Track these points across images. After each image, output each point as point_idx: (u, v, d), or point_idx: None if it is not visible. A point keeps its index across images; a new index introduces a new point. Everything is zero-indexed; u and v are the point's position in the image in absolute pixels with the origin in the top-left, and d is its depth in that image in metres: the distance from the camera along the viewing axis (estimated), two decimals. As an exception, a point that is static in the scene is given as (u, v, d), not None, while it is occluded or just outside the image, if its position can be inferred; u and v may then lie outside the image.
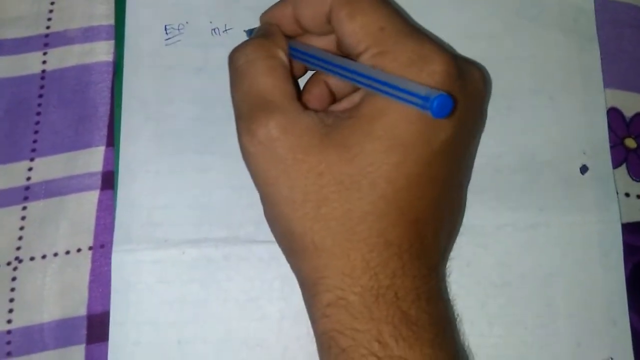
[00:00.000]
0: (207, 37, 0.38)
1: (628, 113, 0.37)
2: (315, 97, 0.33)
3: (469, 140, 0.33)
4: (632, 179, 0.36)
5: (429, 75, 0.27)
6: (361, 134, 0.28)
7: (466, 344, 0.33)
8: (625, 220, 0.35)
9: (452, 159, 0.30)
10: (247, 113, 0.29)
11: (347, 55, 0.30)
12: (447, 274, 0.33)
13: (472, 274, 0.34)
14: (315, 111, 0.30)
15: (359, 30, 0.29)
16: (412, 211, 0.28)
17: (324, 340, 0.28)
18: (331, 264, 0.27)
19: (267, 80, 0.30)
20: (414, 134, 0.28)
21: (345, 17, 0.29)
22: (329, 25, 0.31)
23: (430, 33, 0.37)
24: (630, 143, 0.37)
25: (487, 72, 0.36)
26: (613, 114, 0.37)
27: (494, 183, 0.35)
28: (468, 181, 0.35)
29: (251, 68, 0.30)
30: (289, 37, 0.32)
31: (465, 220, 0.35)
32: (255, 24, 0.35)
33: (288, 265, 0.33)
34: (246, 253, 0.34)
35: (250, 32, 0.36)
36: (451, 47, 0.37)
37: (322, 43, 0.32)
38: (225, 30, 0.38)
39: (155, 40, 0.37)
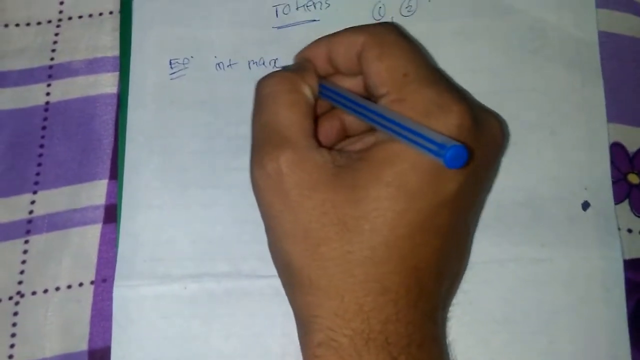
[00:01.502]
0: (212, 71, 0.38)
1: (631, 148, 0.37)
2: (328, 130, 0.33)
3: (479, 190, 0.33)
4: (635, 215, 0.36)
5: (444, 126, 0.27)
6: (369, 177, 0.28)
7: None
8: (628, 257, 0.35)
9: (459, 209, 0.30)
10: (260, 144, 0.30)
11: (371, 96, 0.31)
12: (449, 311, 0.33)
13: (474, 310, 0.34)
14: (329, 149, 0.30)
15: (383, 72, 0.29)
16: (413, 258, 0.28)
17: None
18: (325, 304, 0.28)
19: (286, 114, 0.30)
20: (422, 184, 0.27)
21: (373, 58, 0.30)
22: (358, 65, 0.31)
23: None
24: (634, 178, 0.37)
25: (505, 124, 0.36)
26: (616, 148, 0.37)
27: (497, 218, 0.35)
28: (475, 228, 0.35)
29: (273, 100, 0.30)
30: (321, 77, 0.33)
31: (467, 255, 0.34)
32: (258, 58, 0.35)
33: (291, 301, 0.33)
34: (249, 288, 0.34)
35: (285, 68, 0.36)
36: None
37: (351, 84, 0.33)
38: (230, 64, 0.38)
39: (160, 73, 0.37)
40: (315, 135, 0.30)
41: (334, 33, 0.32)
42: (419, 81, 0.29)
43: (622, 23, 0.39)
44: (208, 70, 0.38)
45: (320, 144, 0.30)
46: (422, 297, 0.28)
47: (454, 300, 0.34)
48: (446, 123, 0.28)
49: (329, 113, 0.34)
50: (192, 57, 0.38)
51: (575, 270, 0.35)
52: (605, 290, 0.34)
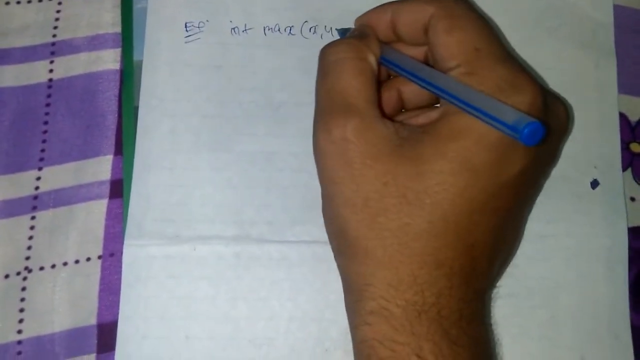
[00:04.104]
0: (227, 35, 0.38)
1: (633, 117, 0.37)
2: (386, 101, 0.33)
3: (540, 174, 0.33)
4: (638, 183, 0.36)
5: (514, 105, 0.27)
6: (434, 152, 0.27)
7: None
8: (630, 225, 0.35)
9: (519, 192, 0.30)
10: (327, 110, 0.30)
11: (436, 68, 0.30)
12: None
13: None
14: (392, 121, 0.30)
15: (454, 45, 0.29)
16: (469, 236, 0.28)
17: (363, 348, 0.28)
18: (378, 273, 0.28)
19: (353, 82, 0.30)
20: (487, 162, 0.27)
21: (443, 29, 0.29)
22: (424, 36, 0.31)
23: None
24: (636, 147, 0.37)
25: (571, 108, 0.36)
26: (619, 118, 0.37)
27: None
28: (529, 212, 0.35)
29: (339, 67, 0.30)
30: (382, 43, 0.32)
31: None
32: (273, 24, 0.36)
33: (298, 267, 0.34)
34: (257, 252, 0.34)
35: (342, 31, 0.36)
36: (541, 78, 0.37)
37: (412, 53, 0.32)
38: (245, 30, 0.38)
39: (176, 36, 0.37)
40: (379, 104, 0.30)
41: (401, 1, 0.32)
42: (492, 57, 0.29)
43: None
44: (223, 34, 0.38)
45: (384, 114, 0.30)
46: (474, 276, 0.28)
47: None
48: (517, 102, 0.27)
49: (387, 83, 0.34)
50: (207, 20, 0.38)
51: (580, 247, 0.35)
52: (609, 267, 0.35)
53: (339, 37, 0.36)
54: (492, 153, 0.27)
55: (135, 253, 0.34)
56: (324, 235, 0.31)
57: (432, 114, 0.30)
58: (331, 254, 0.31)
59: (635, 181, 0.36)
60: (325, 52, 0.31)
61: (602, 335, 0.34)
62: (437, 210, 0.27)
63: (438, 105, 0.34)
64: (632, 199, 0.36)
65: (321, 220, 0.31)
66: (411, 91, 0.33)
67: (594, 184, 0.36)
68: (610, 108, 0.37)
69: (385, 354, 0.27)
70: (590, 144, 0.36)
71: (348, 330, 0.30)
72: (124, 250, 0.34)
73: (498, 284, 0.34)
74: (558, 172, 0.36)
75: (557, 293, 0.34)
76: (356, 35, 0.32)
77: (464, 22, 0.30)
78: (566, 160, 0.36)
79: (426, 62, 0.32)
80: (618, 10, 0.39)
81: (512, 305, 0.34)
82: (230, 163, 0.36)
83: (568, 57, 0.38)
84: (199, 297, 0.34)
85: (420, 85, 0.30)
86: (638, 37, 0.39)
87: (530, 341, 0.34)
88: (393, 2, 0.32)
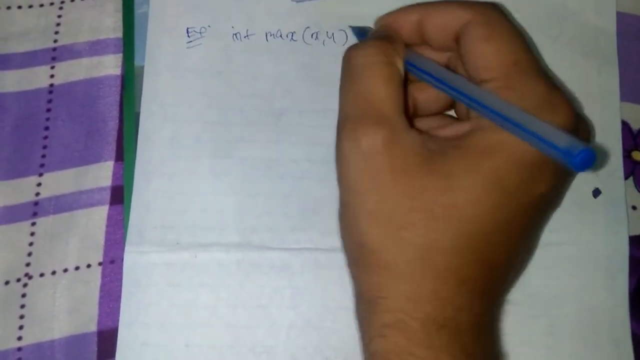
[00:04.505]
0: (229, 41, 0.37)
1: (635, 125, 0.37)
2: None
3: (562, 192, 0.33)
4: (639, 192, 0.36)
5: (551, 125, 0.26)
6: (465, 167, 0.27)
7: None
8: (632, 233, 0.35)
9: (542, 210, 0.29)
10: (354, 118, 0.28)
11: (463, 74, 0.30)
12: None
13: None
14: (420, 132, 0.29)
15: (492, 56, 0.28)
16: (492, 254, 0.27)
17: None
18: (396, 287, 0.27)
19: (383, 89, 0.28)
20: (519, 181, 0.27)
21: (480, 39, 0.28)
22: (452, 42, 0.30)
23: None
24: (638, 155, 0.37)
25: (593, 129, 0.36)
26: (620, 126, 0.37)
27: None
28: (543, 229, 0.35)
29: (369, 71, 0.29)
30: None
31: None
32: (276, 30, 0.36)
33: (299, 274, 0.34)
34: (258, 259, 0.34)
35: (357, 29, 0.35)
36: (574, 97, 0.37)
37: (433, 58, 0.31)
38: (247, 35, 0.38)
39: (177, 42, 0.37)
40: (407, 113, 0.29)
41: (430, 3, 0.31)
42: (530, 71, 0.28)
43: (629, 2, 0.39)
44: (225, 40, 0.38)
45: (411, 124, 0.29)
46: (491, 291, 0.28)
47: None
48: (553, 121, 0.26)
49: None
50: (209, 26, 0.38)
51: (581, 256, 0.35)
52: (610, 277, 0.35)
53: (355, 38, 0.36)
54: (525, 172, 0.27)
55: (135, 260, 0.34)
56: (325, 242, 0.31)
57: (462, 127, 0.29)
58: (333, 262, 0.31)
59: (637, 189, 0.36)
60: (352, 55, 0.30)
61: (603, 344, 0.34)
62: (464, 227, 0.27)
63: (452, 112, 0.34)
64: (634, 208, 0.36)
65: (322, 226, 0.31)
66: (426, 98, 0.32)
67: (596, 192, 0.36)
68: (613, 116, 0.37)
69: None
70: None
71: (348, 338, 0.29)
72: (125, 257, 0.34)
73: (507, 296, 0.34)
74: None
75: (558, 301, 0.34)
76: (382, 37, 0.31)
77: (503, 31, 0.29)
78: None
79: (448, 69, 0.31)
80: (620, 17, 0.39)
81: (514, 313, 0.34)
82: (231, 169, 0.35)
83: (570, 65, 0.37)
84: (200, 305, 0.34)
85: (450, 94, 0.29)
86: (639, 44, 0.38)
87: (531, 349, 0.34)
88: (421, 3, 0.31)
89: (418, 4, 0.32)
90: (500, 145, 0.27)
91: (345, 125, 0.29)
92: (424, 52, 0.32)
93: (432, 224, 0.27)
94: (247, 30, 0.38)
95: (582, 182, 0.36)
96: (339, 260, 0.31)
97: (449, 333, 0.26)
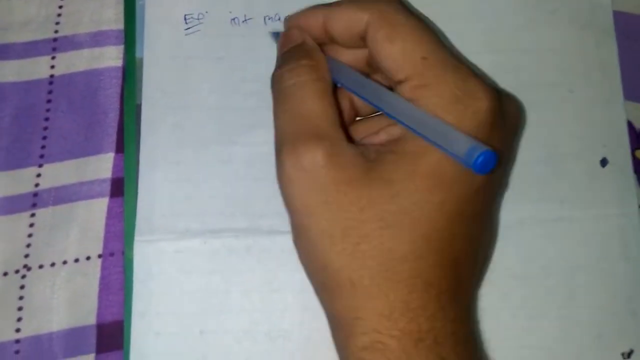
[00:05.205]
0: (227, 27, 0.37)
1: (639, 125, 0.37)
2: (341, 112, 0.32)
3: (503, 173, 0.33)
4: (642, 189, 0.36)
5: (474, 114, 0.27)
6: (405, 171, 0.27)
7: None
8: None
9: (490, 193, 0.30)
10: (293, 136, 0.28)
11: (378, 71, 0.30)
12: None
13: (494, 266, 0.34)
14: (357, 143, 0.29)
15: (399, 56, 0.28)
16: (452, 251, 0.27)
17: None
18: (368, 305, 0.26)
19: (318, 104, 0.29)
20: (458, 173, 0.27)
21: (383, 39, 0.28)
22: (361, 42, 0.30)
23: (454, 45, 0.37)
24: (641, 154, 0.37)
25: (523, 105, 0.36)
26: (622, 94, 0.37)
27: (516, 176, 0.35)
28: (499, 212, 0.35)
29: (302, 90, 0.29)
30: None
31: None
32: (273, 14, 0.36)
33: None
34: (268, 244, 0.34)
35: (276, 35, 0.35)
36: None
37: (349, 57, 0.31)
38: (245, 20, 0.37)
39: (175, 29, 0.37)
40: (343, 127, 0.29)
41: (331, 5, 0.31)
42: (441, 65, 0.28)
43: (631, 1, 0.39)
44: (223, 25, 0.37)
45: (349, 137, 0.29)
46: (460, 290, 0.28)
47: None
48: (476, 109, 0.27)
49: (338, 93, 0.32)
50: (206, 12, 0.37)
51: (594, 226, 0.35)
52: (624, 245, 0.35)
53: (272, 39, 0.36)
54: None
55: (145, 249, 0.34)
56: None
57: (394, 131, 0.29)
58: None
59: (640, 187, 0.36)
60: (282, 77, 0.30)
61: (620, 313, 0.34)
62: (417, 230, 0.26)
63: None
64: (639, 206, 0.36)
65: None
66: (360, 100, 0.32)
67: (604, 162, 0.36)
68: (614, 86, 0.37)
69: None
70: (597, 123, 0.37)
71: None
72: (135, 247, 0.34)
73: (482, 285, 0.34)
74: (567, 150, 0.36)
75: (573, 273, 0.34)
76: (306, 54, 0.30)
77: (404, 28, 0.28)
78: (575, 139, 0.36)
79: (366, 67, 0.32)
80: (621, 16, 0.39)
81: (529, 286, 0.34)
82: (237, 155, 0.35)
83: (569, 39, 0.38)
84: (212, 291, 0.34)
85: (373, 105, 0.29)
86: (641, 43, 0.38)
87: (548, 321, 0.34)
88: (324, 5, 0.31)
89: (321, 5, 0.32)
90: (431, 144, 0.27)
91: (285, 145, 0.28)
92: (338, 50, 0.32)
93: (386, 233, 0.26)
94: (245, 15, 0.38)
95: (590, 152, 0.36)
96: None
97: (427, 347, 0.26)
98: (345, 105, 0.32)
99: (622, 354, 0.34)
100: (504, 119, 0.29)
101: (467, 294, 0.29)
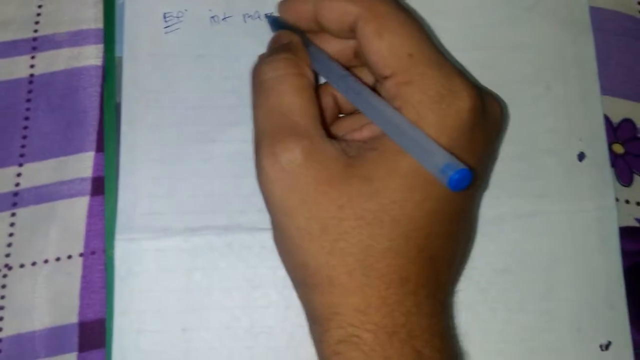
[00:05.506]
0: (207, 24, 0.37)
1: (615, 119, 0.37)
2: (322, 109, 0.31)
3: (485, 172, 0.33)
4: (620, 184, 0.37)
5: (456, 112, 0.27)
6: (385, 169, 0.27)
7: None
8: (619, 225, 0.36)
9: (470, 192, 0.30)
10: (271, 133, 0.28)
11: (366, 64, 0.30)
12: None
13: (473, 261, 0.35)
14: (337, 139, 0.29)
15: (385, 51, 0.28)
16: (430, 248, 0.27)
17: None
18: (345, 300, 0.27)
19: (296, 100, 0.28)
20: None
21: (372, 33, 0.28)
22: (350, 33, 0.29)
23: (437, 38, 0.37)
24: (618, 149, 0.37)
25: (505, 104, 0.36)
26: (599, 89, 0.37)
27: (495, 172, 0.36)
28: (478, 210, 0.35)
29: (280, 84, 0.29)
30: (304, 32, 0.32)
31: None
32: (253, 11, 0.37)
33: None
34: (249, 241, 0.34)
35: (271, 19, 0.35)
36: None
37: (339, 47, 0.31)
38: (225, 18, 0.37)
39: (155, 27, 0.37)
40: (324, 123, 0.29)
41: None
42: (426, 63, 0.28)
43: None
44: (203, 23, 0.37)
45: (328, 133, 0.29)
46: (438, 286, 0.28)
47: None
48: (458, 108, 0.27)
49: (321, 89, 0.33)
50: (186, 10, 0.38)
51: (571, 221, 0.36)
52: (601, 239, 0.35)
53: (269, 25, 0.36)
54: None
55: (126, 247, 0.34)
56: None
57: (376, 128, 0.29)
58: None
59: (619, 182, 0.37)
60: (261, 70, 0.29)
61: (598, 307, 0.34)
62: (397, 228, 0.27)
63: None
64: (616, 200, 0.36)
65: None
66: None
67: (581, 156, 0.36)
68: (591, 82, 0.37)
69: None
70: (574, 118, 0.37)
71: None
72: (115, 245, 0.34)
73: (458, 288, 0.34)
74: (544, 146, 0.36)
75: (552, 267, 0.35)
76: (288, 48, 0.31)
77: (393, 23, 0.28)
78: (552, 134, 0.36)
79: (354, 58, 0.32)
80: (599, 12, 0.39)
81: (508, 280, 0.34)
82: (217, 152, 0.35)
83: (546, 35, 0.38)
84: (194, 289, 0.34)
85: (355, 104, 0.29)
86: (619, 39, 0.39)
87: (527, 315, 0.34)
88: None
89: None
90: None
91: (263, 142, 0.28)
92: (328, 40, 0.32)
93: (365, 230, 0.26)
94: (224, 12, 0.38)
95: (567, 147, 0.36)
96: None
97: (401, 341, 0.26)
98: (328, 101, 0.32)
99: (600, 346, 0.34)
100: (486, 118, 0.29)
101: (444, 290, 0.29)
